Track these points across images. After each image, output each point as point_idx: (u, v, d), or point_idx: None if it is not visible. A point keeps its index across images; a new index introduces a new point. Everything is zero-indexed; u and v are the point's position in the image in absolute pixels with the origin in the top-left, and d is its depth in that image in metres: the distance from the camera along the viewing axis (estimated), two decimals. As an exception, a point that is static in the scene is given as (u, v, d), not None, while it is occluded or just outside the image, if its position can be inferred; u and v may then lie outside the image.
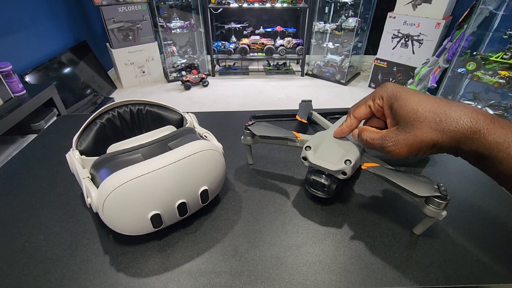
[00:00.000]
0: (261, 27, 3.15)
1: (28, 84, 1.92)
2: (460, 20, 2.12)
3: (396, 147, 0.30)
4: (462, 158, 0.27)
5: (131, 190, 0.32)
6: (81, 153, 0.40)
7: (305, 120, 0.61)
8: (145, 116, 0.48)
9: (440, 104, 0.28)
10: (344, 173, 0.38)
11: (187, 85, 2.82)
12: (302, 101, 0.67)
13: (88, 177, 0.36)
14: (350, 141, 0.42)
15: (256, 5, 2.80)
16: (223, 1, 2.77)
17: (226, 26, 3.14)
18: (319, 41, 3.12)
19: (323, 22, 3.00)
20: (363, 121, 0.39)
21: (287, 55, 3.07)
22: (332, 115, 0.67)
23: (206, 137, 0.44)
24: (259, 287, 0.33)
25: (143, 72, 2.92)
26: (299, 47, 3.02)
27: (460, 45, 2.08)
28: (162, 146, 0.38)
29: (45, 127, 0.77)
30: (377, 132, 0.33)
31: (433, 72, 2.29)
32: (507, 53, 1.92)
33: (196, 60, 3.16)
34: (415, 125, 0.28)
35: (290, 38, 3.05)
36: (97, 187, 0.33)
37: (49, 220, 0.42)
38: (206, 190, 0.38)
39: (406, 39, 2.52)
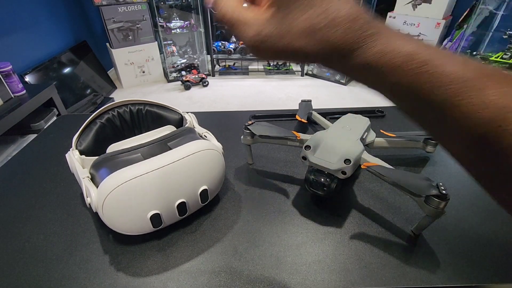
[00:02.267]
0: (261, 27, 3.14)
1: (28, 84, 1.91)
2: (460, 20, 2.12)
3: (259, 46, 0.20)
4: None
5: (131, 189, 0.32)
6: (81, 153, 0.40)
7: (305, 120, 0.61)
8: (145, 116, 0.48)
9: (336, 5, 0.19)
10: (343, 172, 0.38)
11: (187, 85, 2.82)
12: (302, 101, 0.67)
13: (88, 177, 0.36)
14: (350, 140, 0.42)
15: (256, 5, 2.79)
16: (223, 1, 2.77)
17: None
18: (319, 41, 3.12)
19: (323, 22, 3.00)
20: None
21: (287, 55, 3.06)
22: (332, 115, 0.67)
23: (206, 137, 0.44)
24: (259, 287, 0.33)
25: (143, 72, 2.92)
26: (299, 47, 3.02)
27: (460, 45, 2.08)
28: (162, 146, 0.38)
29: (45, 127, 0.77)
30: (241, 9, 0.21)
31: (433, 72, 2.28)
32: (507, 53, 1.92)
33: (196, 60, 3.16)
34: (293, 25, 0.19)
35: (290, 38, 3.04)
36: (97, 187, 0.33)
37: (49, 220, 0.42)
38: (205, 189, 0.38)
39: (406, 39, 2.52)
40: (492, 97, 0.16)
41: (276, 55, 0.20)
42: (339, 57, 0.19)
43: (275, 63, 3.25)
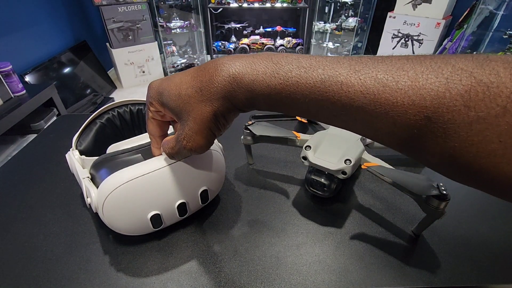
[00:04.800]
0: (261, 27, 3.14)
1: (28, 84, 1.91)
2: (460, 20, 2.12)
3: (191, 141, 0.27)
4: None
5: (131, 190, 0.32)
6: (81, 153, 0.40)
7: (305, 120, 0.61)
8: (145, 116, 0.48)
9: (195, 75, 0.25)
10: (344, 172, 0.38)
11: (187, 85, 2.82)
12: (302, 101, 0.67)
13: (88, 177, 0.36)
14: (351, 140, 0.42)
15: (256, 5, 2.79)
16: (223, 1, 2.77)
17: (226, 26, 3.13)
18: (319, 41, 3.12)
19: (323, 22, 3.00)
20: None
21: (287, 55, 3.06)
22: (332, 115, 0.67)
23: (206, 137, 0.44)
24: (259, 287, 0.33)
25: (143, 72, 2.91)
26: (299, 47, 3.02)
27: (460, 45, 2.08)
28: (162, 146, 0.38)
29: (45, 127, 0.77)
30: (171, 138, 0.30)
31: (433, 72, 2.28)
32: (507, 53, 1.92)
33: (196, 60, 3.16)
34: (187, 109, 0.25)
35: (290, 38, 3.05)
36: (97, 187, 0.33)
37: (49, 220, 0.42)
38: (206, 190, 0.38)
39: (406, 39, 2.52)
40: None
41: (208, 135, 0.27)
42: (234, 107, 0.25)
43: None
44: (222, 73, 0.23)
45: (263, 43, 3.03)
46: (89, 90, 2.51)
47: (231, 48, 3.03)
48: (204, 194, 0.38)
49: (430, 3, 2.31)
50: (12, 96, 1.52)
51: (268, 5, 2.79)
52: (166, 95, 0.27)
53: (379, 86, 0.17)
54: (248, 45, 3.03)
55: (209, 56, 3.12)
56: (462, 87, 0.15)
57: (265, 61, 0.22)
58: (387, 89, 0.17)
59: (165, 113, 0.29)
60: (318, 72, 0.20)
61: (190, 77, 0.25)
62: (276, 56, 0.22)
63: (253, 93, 0.23)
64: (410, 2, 2.39)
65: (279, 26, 3.11)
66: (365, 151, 0.42)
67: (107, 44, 2.74)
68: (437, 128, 0.16)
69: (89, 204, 0.34)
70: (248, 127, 0.47)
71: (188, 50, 3.18)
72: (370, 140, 0.49)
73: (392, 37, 2.59)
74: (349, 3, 2.79)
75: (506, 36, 1.95)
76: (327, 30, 2.97)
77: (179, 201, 0.36)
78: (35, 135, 0.76)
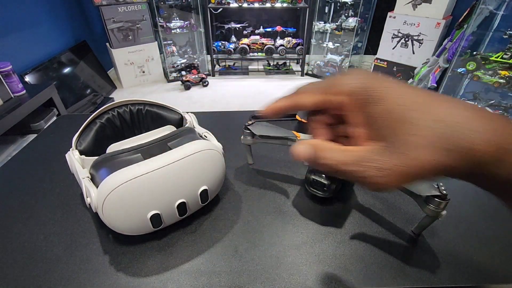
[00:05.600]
0: (261, 27, 3.14)
1: (28, 84, 1.91)
2: (460, 20, 2.12)
3: (385, 178, 0.18)
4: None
5: (131, 190, 0.32)
6: (81, 153, 0.40)
7: (305, 120, 0.61)
8: (144, 116, 0.48)
9: (448, 107, 0.17)
10: (344, 173, 0.38)
11: (187, 85, 2.82)
12: (302, 101, 0.67)
13: (88, 177, 0.36)
14: None
15: (256, 5, 2.79)
16: (223, 1, 2.77)
17: (226, 26, 3.13)
18: (319, 41, 3.12)
19: (323, 22, 3.00)
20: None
21: (287, 55, 3.06)
22: (332, 115, 0.67)
23: (206, 137, 0.44)
24: (259, 287, 0.33)
25: (143, 72, 2.92)
26: (299, 47, 3.02)
27: (460, 45, 2.08)
28: (161, 146, 0.38)
29: (45, 127, 0.77)
30: (347, 151, 0.20)
31: (433, 72, 2.28)
32: (507, 53, 1.92)
33: (196, 60, 3.16)
34: (410, 141, 0.17)
35: (290, 38, 3.04)
36: (97, 187, 0.33)
37: (49, 220, 0.42)
38: (205, 190, 0.38)
39: (406, 39, 2.52)
40: None
41: (409, 182, 0.18)
42: (483, 167, 0.16)
43: (275, 63, 3.25)
44: (493, 133, 0.16)
45: (263, 43, 3.03)
46: (89, 90, 2.51)
47: (231, 48, 3.03)
48: (204, 193, 0.38)
49: (430, 3, 2.31)
50: (12, 96, 1.52)
51: (268, 5, 2.79)
52: (386, 107, 0.19)
53: None
54: (248, 45, 3.03)
55: (209, 56, 3.12)
56: None
57: None
58: None
59: (350, 116, 0.21)
60: None
61: (440, 106, 0.17)
62: None
63: None
64: (410, 2, 2.39)
65: (279, 26, 3.11)
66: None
67: (107, 44, 2.75)
68: None
69: (89, 204, 0.34)
70: (248, 127, 0.47)
71: (188, 50, 3.18)
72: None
73: (392, 37, 2.59)
74: (349, 3, 2.79)
75: (506, 36, 1.95)
76: (327, 30, 2.97)
77: (179, 201, 0.36)
78: (35, 135, 0.76)
